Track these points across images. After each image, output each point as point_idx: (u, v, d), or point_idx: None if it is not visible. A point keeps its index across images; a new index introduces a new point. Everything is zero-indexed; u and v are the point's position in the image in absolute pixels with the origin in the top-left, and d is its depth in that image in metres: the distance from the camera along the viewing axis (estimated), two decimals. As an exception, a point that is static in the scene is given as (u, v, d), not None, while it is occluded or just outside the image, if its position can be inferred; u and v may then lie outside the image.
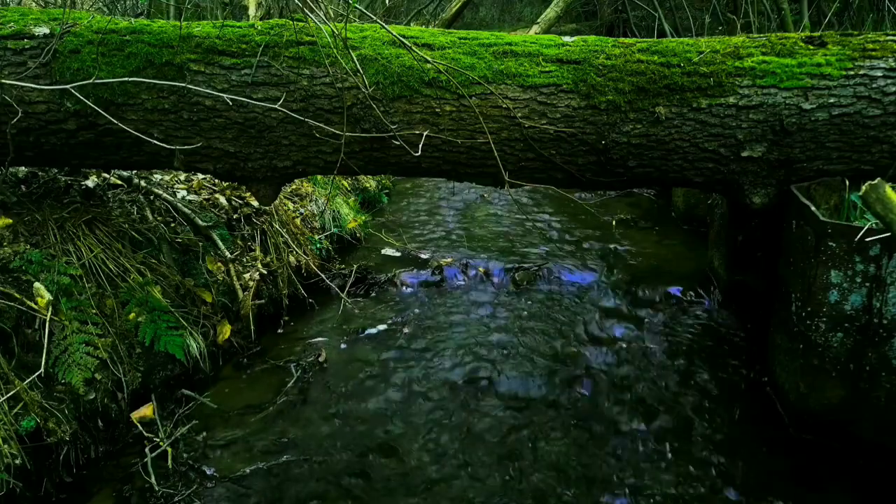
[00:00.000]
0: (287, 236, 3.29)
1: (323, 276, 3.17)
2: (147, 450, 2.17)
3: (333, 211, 3.89)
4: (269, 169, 2.28)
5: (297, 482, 2.07)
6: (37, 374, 2.00)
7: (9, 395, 1.92)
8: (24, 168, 2.68)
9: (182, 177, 3.26)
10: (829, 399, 2.08)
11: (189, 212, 2.93)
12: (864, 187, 1.64)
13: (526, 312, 3.10)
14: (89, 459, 2.15)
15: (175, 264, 2.75)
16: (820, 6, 4.53)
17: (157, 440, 2.23)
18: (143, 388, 2.39)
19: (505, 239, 4.02)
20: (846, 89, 2.03)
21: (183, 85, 2.07)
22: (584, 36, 2.33)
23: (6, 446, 1.85)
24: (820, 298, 2.00)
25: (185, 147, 2.17)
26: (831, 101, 2.04)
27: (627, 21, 7.00)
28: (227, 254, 2.91)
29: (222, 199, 3.21)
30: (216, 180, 3.26)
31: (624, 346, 2.79)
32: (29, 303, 2.10)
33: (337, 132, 2.12)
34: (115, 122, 2.01)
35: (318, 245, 3.59)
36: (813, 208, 2.00)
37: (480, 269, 3.50)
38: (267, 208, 3.25)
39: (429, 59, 2.09)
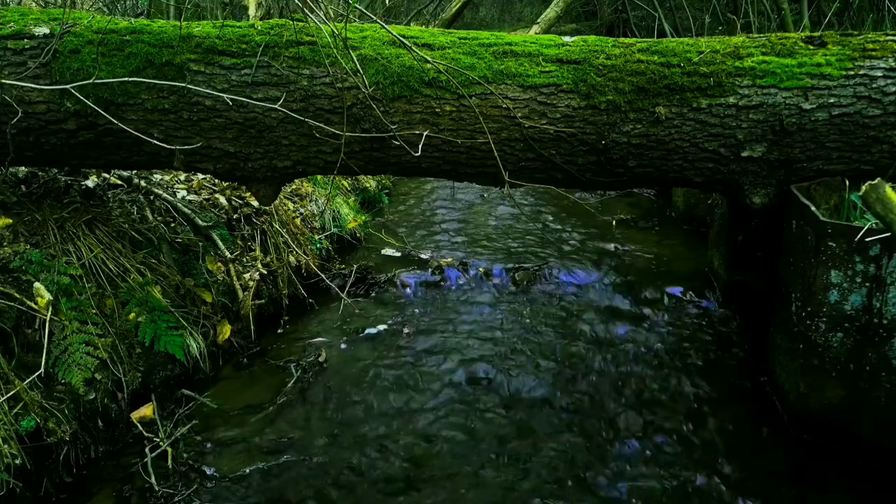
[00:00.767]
0: (287, 236, 3.29)
1: (323, 276, 3.17)
2: (147, 450, 2.17)
3: (333, 211, 3.89)
4: (269, 169, 2.28)
5: (297, 482, 2.07)
6: (37, 374, 2.00)
7: (9, 395, 1.92)
8: (24, 168, 2.68)
9: (182, 177, 3.26)
10: (829, 399, 2.08)
11: (189, 212, 2.93)
12: (864, 187, 1.64)
13: (526, 312, 3.10)
14: (89, 459, 2.15)
15: (175, 264, 2.75)
16: (820, 6, 4.53)
17: (157, 440, 2.23)
18: (143, 388, 2.39)
19: (505, 239, 4.02)
20: (846, 89, 2.03)
21: (183, 85, 2.07)
22: (584, 36, 2.33)
23: (6, 446, 1.85)
24: (820, 298, 2.00)
25: (185, 147, 2.17)
26: (831, 101, 2.04)
27: (627, 21, 7.00)
28: (227, 254, 2.91)
29: (222, 199, 3.21)
30: (216, 180, 3.26)
31: (624, 346, 2.79)
32: (29, 303, 2.10)
33: (337, 132, 2.12)
34: (115, 122, 2.01)
35: (318, 245, 3.59)
36: (813, 208, 2.00)
37: (480, 269, 3.50)
38: (267, 208, 3.25)
39: (429, 59, 2.09)
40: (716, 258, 3.14)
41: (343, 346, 2.87)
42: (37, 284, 2.13)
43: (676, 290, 3.17)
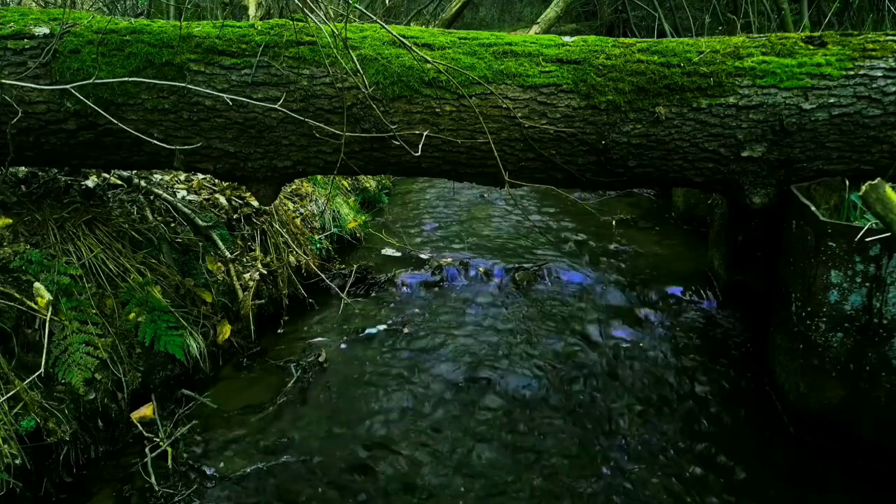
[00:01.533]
0: (287, 236, 3.29)
1: (323, 276, 3.17)
2: (147, 450, 2.17)
3: (333, 211, 3.89)
4: (269, 169, 2.28)
5: (297, 482, 2.07)
6: (37, 374, 2.00)
7: (9, 395, 1.92)
8: (24, 168, 2.68)
9: (182, 177, 3.26)
10: (829, 399, 2.08)
11: (189, 212, 2.93)
12: (864, 187, 1.64)
13: (526, 312, 3.10)
14: (89, 459, 2.15)
15: (175, 264, 2.75)
16: (820, 6, 4.53)
17: (157, 440, 2.23)
18: (143, 388, 2.39)
19: (505, 239, 4.02)
20: (846, 89, 2.03)
21: (183, 85, 2.07)
22: (584, 36, 2.32)
23: (6, 446, 1.85)
24: (820, 298, 2.00)
25: (185, 147, 2.17)
26: (831, 101, 2.04)
27: (627, 21, 7.00)
28: (227, 254, 2.91)
29: (222, 199, 3.21)
30: (216, 180, 3.26)
31: (624, 346, 2.79)
32: (29, 303, 2.10)
33: (337, 132, 2.12)
34: (115, 122, 2.01)
35: (318, 245, 3.59)
36: (813, 208, 2.00)
37: (480, 269, 3.50)
38: (267, 208, 3.25)
39: (429, 59, 2.09)
40: (716, 258, 3.14)
41: (343, 345, 2.87)
42: (37, 284, 2.13)
43: (676, 290, 3.17)
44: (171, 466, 2.14)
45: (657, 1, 5.53)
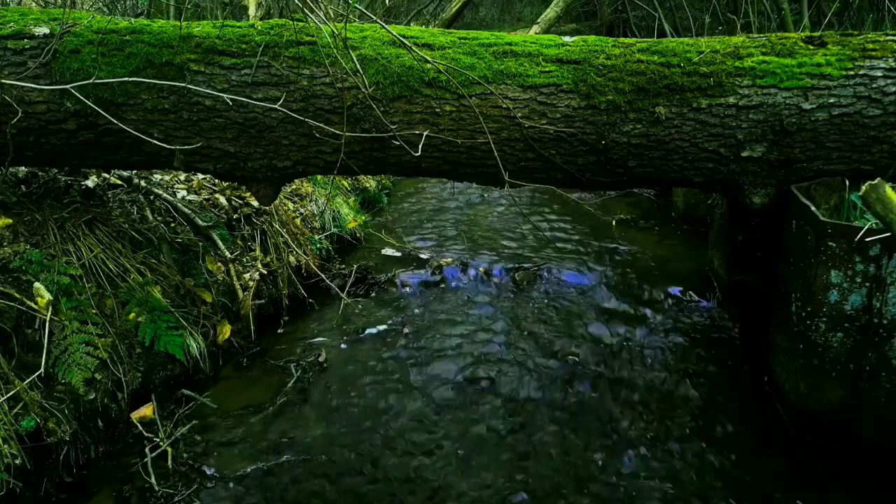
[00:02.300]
0: (287, 236, 3.29)
1: (323, 276, 3.17)
2: (147, 450, 2.17)
3: (333, 211, 3.89)
4: (269, 169, 2.28)
5: (297, 482, 2.07)
6: (37, 374, 2.00)
7: (9, 395, 1.92)
8: (24, 168, 2.68)
9: (182, 177, 3.26)
10: (829, 399, 2.08)
11: (189, 212, 2.93)
12: (864, 187, 1.64)
13: (526, 312, 3.10)
14: (89, 459, 2.15)
15: (175, 264, 2.75)
16: (820, 6, 4.53)
17: (157, 440, 2.23)
18: (143, 388, 2.39)
19: (505, 239, 4.02)
20: (846, 89, 2.03)
21: (183, 85, 2.07)
22: (584, 36, 2.32)
23: (6, 446, 1.85)
24: (820, 298, 2.00)
25: (185, 147, 2.17)
26: (831, 101, 2.04)
27: (627, 21, 7.00)
28: (227, 254, 2.91)
29: (222, 199, 3.21)
30: (216, 180, 3.26)
31: (624, 346, 2.79)
32: (29, 303, 2.10)
33: (337, 132, 2.12)
34: (115, 122, 2.01)
35: (318, 245, 3.59)
36: (813, 208, 2.00)
37: (480, 269, 3.50)
38: (267, 208, 3.25)
39: (429, 59, 2.09)
40: (716, 258, 3.14)
41: (343, 346, 2.87)
42: (37, 284, 2.13)
43: (676, 290, 3.17)
44: (171, 466, 2.14)
45: (657, 1, 5.53)
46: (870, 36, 2.11)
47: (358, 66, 2.07)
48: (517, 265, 3.52)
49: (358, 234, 4.05)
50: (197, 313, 2.69)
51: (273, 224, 3.26)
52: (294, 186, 3.81)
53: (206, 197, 3.20)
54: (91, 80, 1.95)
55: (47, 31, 2.17)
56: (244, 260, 3.04)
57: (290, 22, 2.19)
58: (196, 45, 2.15)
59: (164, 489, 2.04)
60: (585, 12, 8.76)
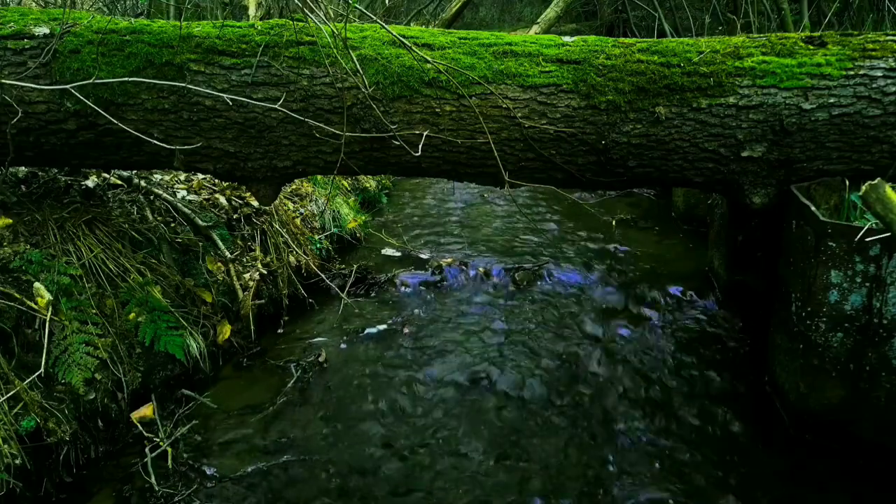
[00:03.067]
0: (287, 236, 3.29)
1: (323, 276, 3.17)
2: (147, 450, 2.17)
3: (333, 211, 3.89)
4: (269, 169, 2.28)
5: (297, 482, 2.07)
6: (37, 374, 2.00)
7: (9, 395, 1.92)
8: (24, 168, 2.68)
9: (182, 177, 3.26)
10: (829, 399, 2.08)
11: (189, 212, 2.93)
12: (864, 187, 1.64)
13: (526, 312, 3.10)
14: (89, 459, 2.15)
15: (175, 264, 2.75)
16: (820, 6, 4.53)
17: (157, 440, 2.23)
18: (143, 388, 2.39)
19: (505, 239, 4.02)
20: (846, 89, 2.03)
21: (183, 85, 2.07)
22: (584, 36, 2.32)
23: (6, 446, 1.85)
24: (820, 298, 2.00)
25: (185, 147, 2.17)
26: (831, 101, 2.04)
27: (627, 21, 7.00)
28: (227, 254, 2.91)
29: (222, 199, 3.21)
30: (216, 180, 3.26)
31: (624, 345, 2.79)
32: (29, 303, 2.10)
33: (337, 132, 2.12)
34: (115, 122, 2.01)
35: (318, 245, 3.59)
36: (813, 208, 2.00)
37: (480, 269, 3.50)
38: (267, 208, 3.25)
39: (429, 59, 2.09)
40: (716, 258, 3.14)
41: (343, 346, 2.87)
42: (37, 284, 2.13)
43: (676, 290, 3.17)
44: (171, 466, 2.14)
45: (657, 1, 5.53)
46: (870, 36, 2.11)
47: (358, 66, 2.07)
48: (517, 265, 3.52)
49: (358, 234, 4.04)
50: (197, 313, 2.69)
51: (273, 224, 3.26)
52: (294, 186, 3.81)
53: (206, 197, 3.20)
54: (91, 80, 1.95)
55: (47, 31, 2.17)
56: (244, 260, 3.04)
57: (290, 22, 2.19)
58: (196, 45, 2.15)
59: (164, 489, 2.04)
60: (585, 12, 8.76)
